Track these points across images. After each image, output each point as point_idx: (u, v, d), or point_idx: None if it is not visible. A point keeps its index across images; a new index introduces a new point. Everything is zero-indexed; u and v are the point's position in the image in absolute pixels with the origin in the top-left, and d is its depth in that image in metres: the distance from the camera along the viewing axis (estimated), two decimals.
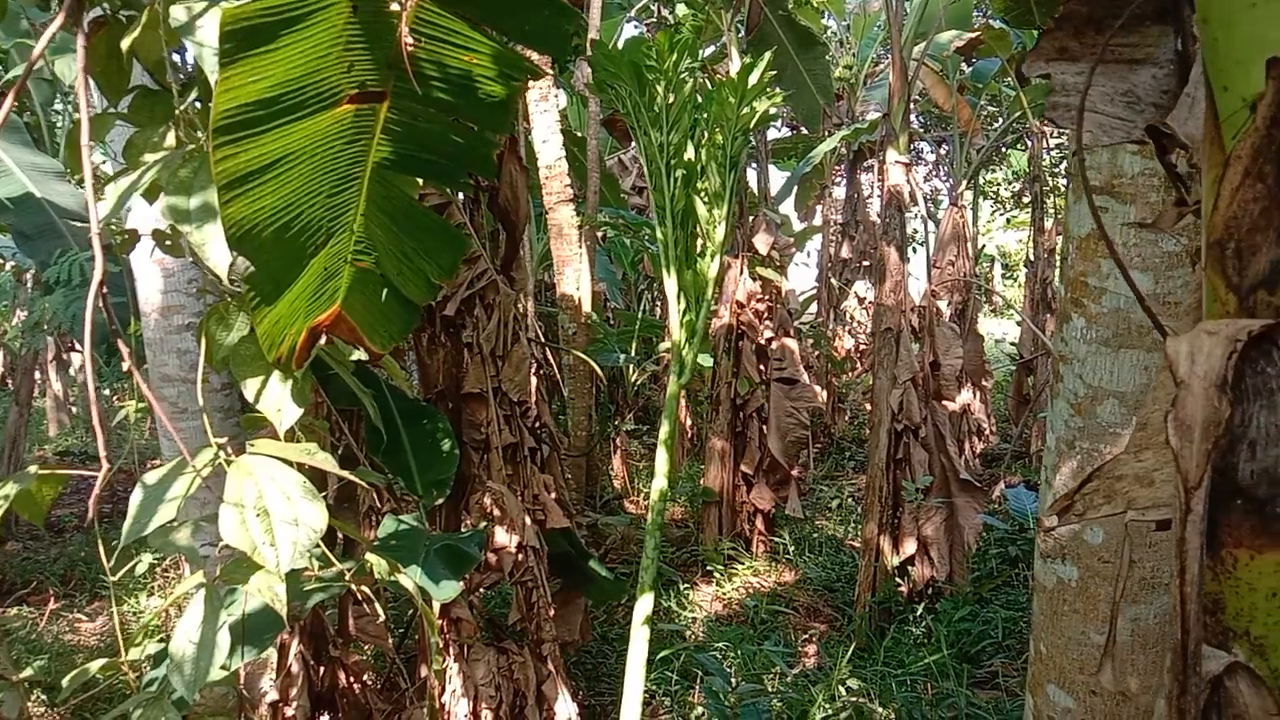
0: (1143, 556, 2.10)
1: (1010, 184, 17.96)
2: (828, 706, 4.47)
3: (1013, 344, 13.33)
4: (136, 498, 1.84)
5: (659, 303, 10.99)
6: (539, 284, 8.93)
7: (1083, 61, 1.05)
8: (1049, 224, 10.72)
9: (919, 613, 5.53)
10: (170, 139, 1.97)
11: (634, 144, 2.81)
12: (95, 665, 2.12)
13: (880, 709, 4.53)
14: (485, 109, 1.76)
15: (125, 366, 1.60)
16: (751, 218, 6.97)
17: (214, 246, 1.70)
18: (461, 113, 1.77)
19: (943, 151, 15.25)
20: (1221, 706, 0.91)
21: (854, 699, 4.56)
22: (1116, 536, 2.12)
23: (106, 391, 10.17)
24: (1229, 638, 0.92)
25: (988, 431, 10.03)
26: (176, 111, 1.94)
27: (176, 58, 2.13)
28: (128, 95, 2.01)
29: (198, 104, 1.99)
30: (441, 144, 1.80)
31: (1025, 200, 15.32)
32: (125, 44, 1.81)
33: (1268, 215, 0.85)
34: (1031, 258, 10.80)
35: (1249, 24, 0.86)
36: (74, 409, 12.93)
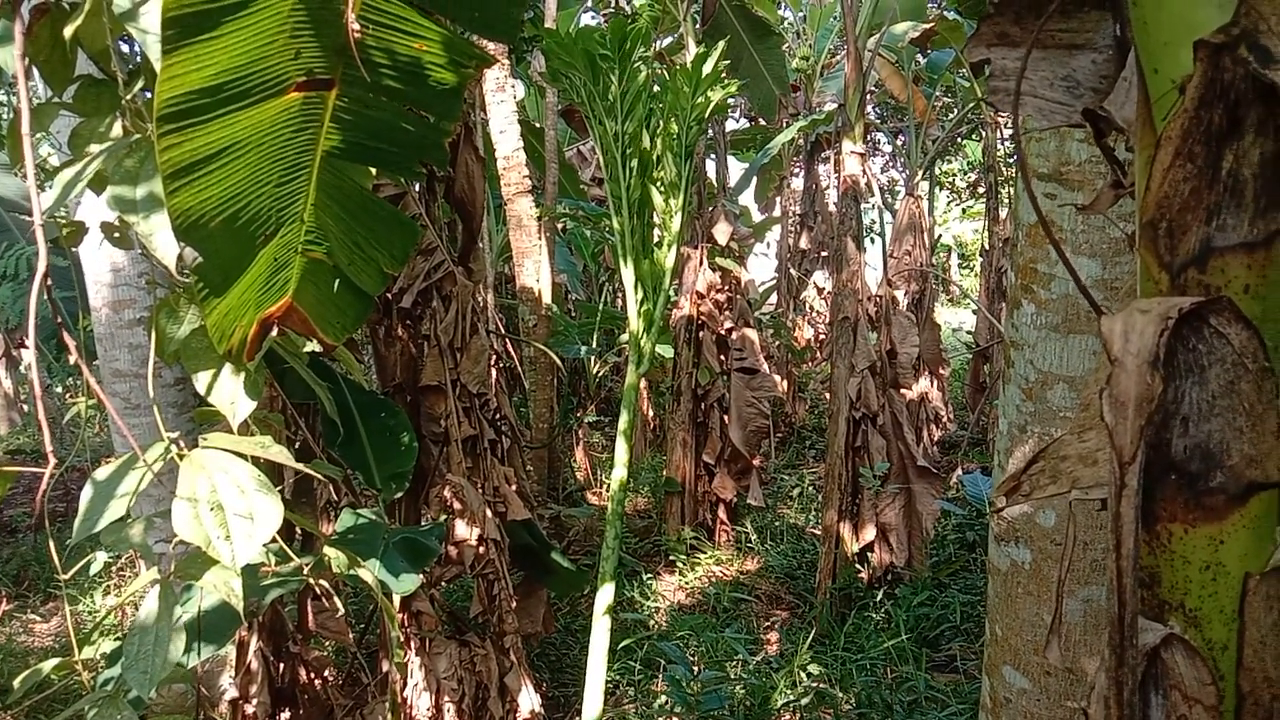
0: (1094, 538, 2.14)
1: (966, 174, 18.13)
2: (789, 692, 4.51)
3: (969, 333, 13.50)
4: (87, 495, 1.81)
5: (620, 294, 10.98)
6: (499, 276, 8.89)
7: (1022, 46, 1.07)
8: (1004, 214, 10.83)
9: (879, 598, 5.59)
10: (117, 129, 1.94)
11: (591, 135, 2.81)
12: (48, 665, 2.09)
13: (841, 693, 4.58)
14: (436, 97, 1.75)
15: (72, 360, 1.57)
16: (710, 209, 6.99)
17: (161, 237, 1.68)
18: (412, 100, 1.75)
19: (899, 142, 15.36)
20: (1158, 678, 0.93)
21: (815, 684, 4.60)
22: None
23: (59, 389, 9.98)
24: (1165, 610, 0.94)
25: (945, 419, 10.14)
26: (123, 101, 1.91)
27: (124, 47, 2.10)
28: (72, 85, 1.97)
29: (146, 94, 1.95)
30: (392, 132, 1.78)
31: (980, 190, 15.47)
32: (68, 32, 1.77)
33: (1197, 195, 0.87)
34: (987, 247, 10.92)
35: (1177, 6, 0.88)
36: (25, 407, 12.67)
